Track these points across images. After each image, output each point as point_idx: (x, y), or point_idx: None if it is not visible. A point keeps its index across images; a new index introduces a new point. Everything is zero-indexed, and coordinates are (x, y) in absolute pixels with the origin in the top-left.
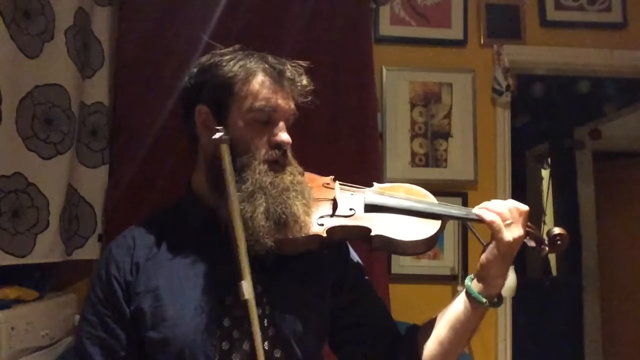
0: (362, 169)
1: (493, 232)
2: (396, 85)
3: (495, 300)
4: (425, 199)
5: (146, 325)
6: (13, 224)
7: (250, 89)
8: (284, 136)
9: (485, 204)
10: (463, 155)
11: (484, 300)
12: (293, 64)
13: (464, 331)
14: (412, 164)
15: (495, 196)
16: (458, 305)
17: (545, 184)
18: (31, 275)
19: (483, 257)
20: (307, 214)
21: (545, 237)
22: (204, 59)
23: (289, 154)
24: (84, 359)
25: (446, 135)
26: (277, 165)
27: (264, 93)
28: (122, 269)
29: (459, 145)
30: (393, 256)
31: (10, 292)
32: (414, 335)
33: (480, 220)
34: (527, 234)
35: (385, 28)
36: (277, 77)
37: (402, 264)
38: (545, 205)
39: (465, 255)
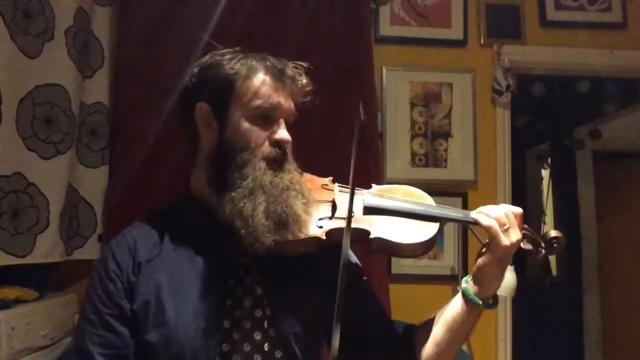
0: (362, 169)
1: (490, 236)
2: (396, 85)
3: (491, 301)
4: (423, 201)
5: (147, 325)
6: (13, 224)
7: (251, 86)
8: (283, 134)
9: (481, 208)
10: (463, 155)
11: (480, 301)
12: (294, 64)
13: (460, 332)
14: (412, 164)
15: (495, 196)
16: (454, 306)
17: (545, 184)
18: (31, 275)
19: (480, 260)
20: (308, 213)
21: (541, 240)
22: (204, 58)
23: (289, 152)
24: (85, 359)
25: (446, 135)
26: (275, 164)
27: (264, 91)
28: (124, 268)
29: (459, 145)
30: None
31: (10, 292)
32: (411, 335)
33: (477, 224)
34: (523, 236)
35: (385, 28)
36: (278, 76)
37: (402, 264)
38: (545, 205)
39: (465, 255)
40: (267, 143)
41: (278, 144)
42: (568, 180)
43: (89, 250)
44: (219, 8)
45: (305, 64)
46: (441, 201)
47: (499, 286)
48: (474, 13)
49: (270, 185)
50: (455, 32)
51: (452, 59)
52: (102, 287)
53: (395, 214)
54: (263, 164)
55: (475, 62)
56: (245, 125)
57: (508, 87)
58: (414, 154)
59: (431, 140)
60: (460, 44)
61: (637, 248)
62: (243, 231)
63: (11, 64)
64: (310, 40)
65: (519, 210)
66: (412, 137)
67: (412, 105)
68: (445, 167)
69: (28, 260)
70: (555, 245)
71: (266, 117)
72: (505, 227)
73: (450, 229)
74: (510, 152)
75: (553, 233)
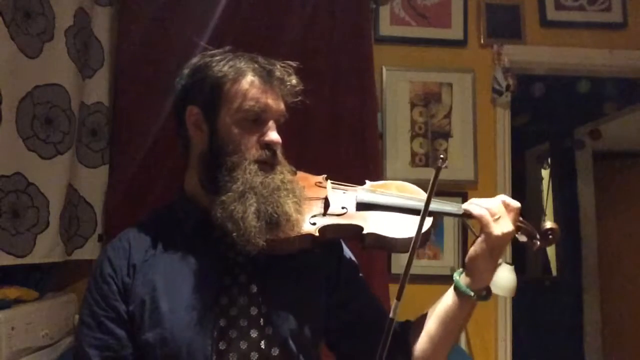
0: (362, 169)
1: (482, 226)
2: (396, 85)
3: (484, 293)
4: (417, 195)
5: (144, 326)
6: (13, 224)
7: (240, 88)
8: (273, 136)
9: (474, 200)
10: (463, 155)
11: (472, 293)
12: (283, 65)
13: (454, 325)
14: (412, 164)
15: (495, 196)
16: (447, 300)
17: (545, 184)
18: (31, 275)
19: (472, 250)
20: (299, 212)
21: (536, 231)
22: (194, 60)
23: (279, 153)
24: None
25: (446, 135)
26: (266, 166)
27: (253, 93)
28: (119, 270)
29: (459, 145)
30: (393, 255)
31: (10, 292)
32: (407, 331)
33: (470, 216)
34: (518, 228)
35: (385, 28)
36: (267, 77)
37: (402, 264)
38: (545, 205)
39: (465, 255)
40: (256, 145)
41: (268, 145)
42: (568, 180)
43: (89, 250)
44: (218, 8)
45: (294, 64)
46: (441, 201)
47: (491, 278)
48: (474, 13)
49: (261, 186)
50: (455, 32)
51: (452, 59)
52: (97, 290)
53: (388, 209)
54: (254, 167)
55: (475, 62)
56: (235, 128)
57: (508, 87)
58: (414, 154)
59: (431, 140)
60: (460, 44)
61: (637, 248)
62: (235, 234)
63: (11, 64)
64: (310, 40)
65: (516, 203)
66: (412, 137)
67: (412, 105)
68: (446, 167)
69: (28, 260)
70: (550, 236)
71: (255, 120)
72: (497, 216)
73: (450, 229)
74: (510, 152)
75: (548, 224)
